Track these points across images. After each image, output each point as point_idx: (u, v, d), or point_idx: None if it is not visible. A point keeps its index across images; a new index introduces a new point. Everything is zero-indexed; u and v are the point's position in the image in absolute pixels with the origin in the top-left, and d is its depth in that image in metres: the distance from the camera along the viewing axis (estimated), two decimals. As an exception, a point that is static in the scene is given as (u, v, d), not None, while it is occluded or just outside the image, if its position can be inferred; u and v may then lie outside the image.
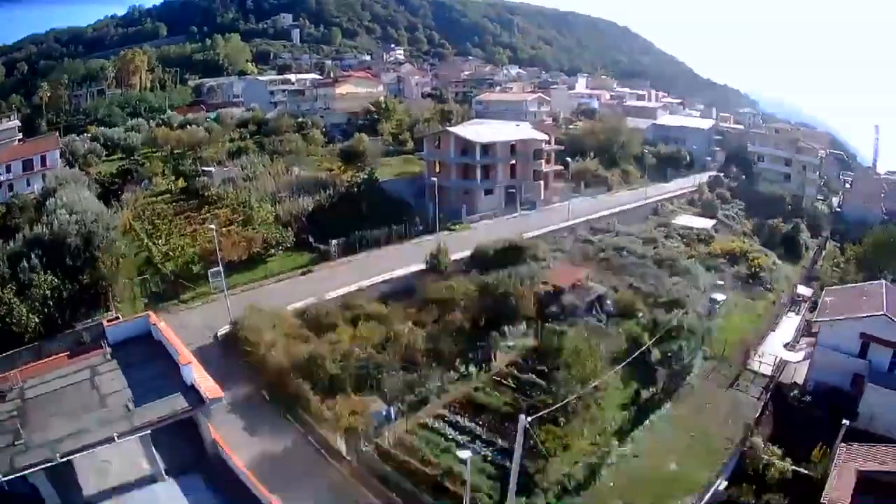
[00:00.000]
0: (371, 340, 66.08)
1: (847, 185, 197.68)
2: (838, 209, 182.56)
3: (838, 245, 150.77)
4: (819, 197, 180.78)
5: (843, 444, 55.45)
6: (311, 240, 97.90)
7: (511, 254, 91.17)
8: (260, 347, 64.13)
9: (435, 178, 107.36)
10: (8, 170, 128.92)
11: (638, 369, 72.14)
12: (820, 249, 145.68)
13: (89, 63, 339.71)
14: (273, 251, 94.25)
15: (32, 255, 74.78)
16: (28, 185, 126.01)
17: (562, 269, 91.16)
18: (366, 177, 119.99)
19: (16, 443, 38.75)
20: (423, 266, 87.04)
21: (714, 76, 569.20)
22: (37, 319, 68.21)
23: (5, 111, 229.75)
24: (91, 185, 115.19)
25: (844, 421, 57.30)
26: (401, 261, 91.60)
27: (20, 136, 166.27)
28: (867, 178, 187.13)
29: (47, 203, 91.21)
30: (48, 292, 70.88)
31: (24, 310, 67.87)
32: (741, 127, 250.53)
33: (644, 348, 72.83)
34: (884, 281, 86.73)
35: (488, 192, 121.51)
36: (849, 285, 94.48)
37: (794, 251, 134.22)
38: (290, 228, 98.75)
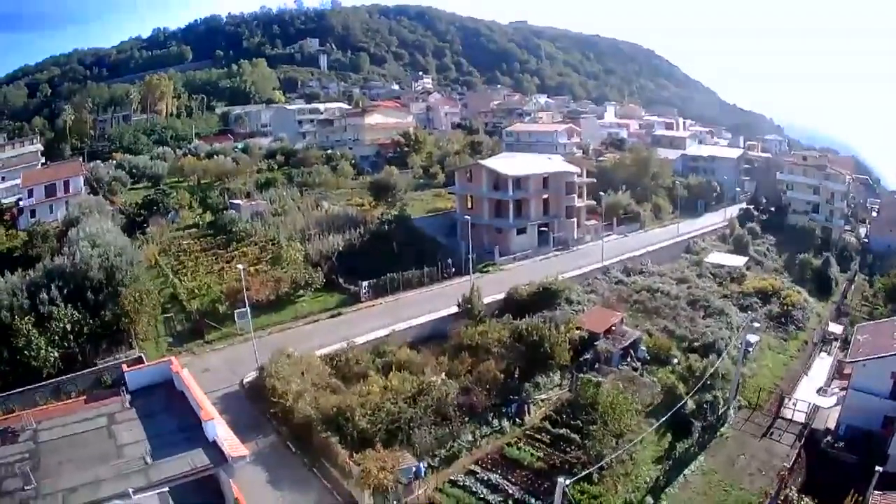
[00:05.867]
0: (402, 392, 64.65)
1: (874, 213, 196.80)
2: (866, 240, 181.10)
3: (867, 278, 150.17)
4: (846, 227, 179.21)
5: (875, 493, 53.97)
6: (340, 280, 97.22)
7: (545, 297, 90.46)
8: (287, 397, 62.86)
9: (468, 216, 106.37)
10: (30, 194, 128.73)
11: (672, 419, 70.50)
12: (849, 283, 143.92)
13: (114, 87, 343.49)
14: (302, 292, 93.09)
15: (52, 287, 74.27)
16: (51, 211, 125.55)
17: (596, 313, 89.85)
18: (397, 213, 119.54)
19: (25, 488, 37.33)
20: (455, 310, 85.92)
21: (739, 102, 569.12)
22: (56, 354, 67.73)
23: (28, 134, 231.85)
24: (115, 215, 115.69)
25: (878, 468, 55.44)
26: (432, 304, 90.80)
27: (43, 160, 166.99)
28: (893, 204, 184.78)
29: (69, 233, 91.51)
30: (68, 326, 70.35)
31: (44, 343, 67.28)
32: (769, 155, 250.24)
33: (682, 403, 71.70)
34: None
35: (521, 231, 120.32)
36: (881, 321, 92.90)
37: (824, 287, 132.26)
38: (319, 268, 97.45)
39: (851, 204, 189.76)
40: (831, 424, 75.87)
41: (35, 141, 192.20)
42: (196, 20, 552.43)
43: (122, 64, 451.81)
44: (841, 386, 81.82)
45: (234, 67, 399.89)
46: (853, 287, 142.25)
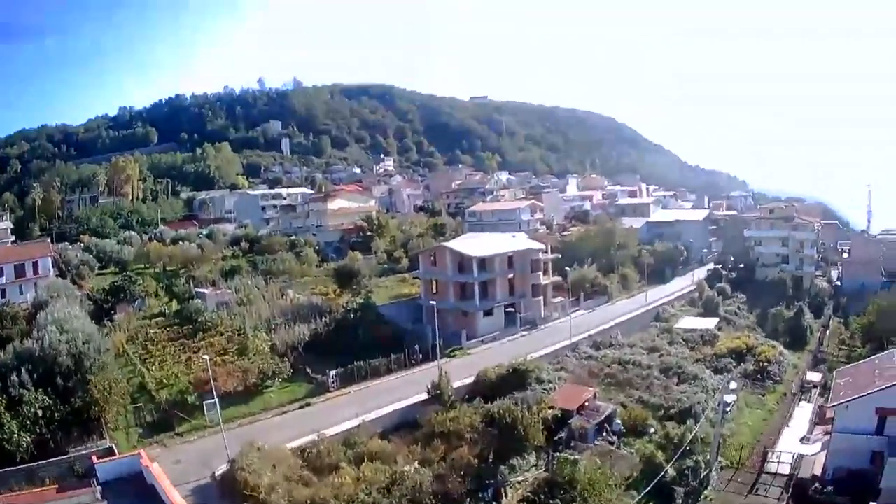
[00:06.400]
0: (376, 483, 63.72)
1: (845, 255, 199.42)
2: (838, 282, 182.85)
3: (842, 320, 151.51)
4: (818, 273, 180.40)
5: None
6: (308, 370, 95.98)
7: (514, 378, 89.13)
8: (260, 490, 61.40)
9: (433, 301, 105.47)
10: (0, 273, 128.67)
11: (654, 489, 69.96)
12: (824, 329, 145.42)
13: (81, 168, 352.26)
14: (270, 382, 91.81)
15: (23, 370, 73.80)
16: (21, 292, 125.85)
17: (568, 390, 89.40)
18: (362, 302, 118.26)
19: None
20: (424, 396, 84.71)
21: (702, 163, 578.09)
22: (28, 439, 66.80)
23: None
24: (84, 301, 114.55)
25: (871, 504, 55.00)
26: (401, 391, 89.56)
27: (12, 238, 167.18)
28: (864, 243, 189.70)
29: (38, 317, 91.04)
30: (40, 412, 69.45)
31: (16, 427, 66.61)
32: (734, 212, 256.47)
33: (662, 473, 71.23)
34: (895, 351, 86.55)
35: (487, 313, 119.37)
36: (860, 362, 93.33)
37: (799, 337, 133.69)
38: (286, 359, 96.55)
39: (821, 249, 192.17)
40: (818, 471, 76.07)
41: (4, 218, 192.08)
42: (161, 100, 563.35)
43: (90, 143, 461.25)
44: (824, 431, 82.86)
45: (199, 151, 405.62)
46: (828, 333, 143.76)
